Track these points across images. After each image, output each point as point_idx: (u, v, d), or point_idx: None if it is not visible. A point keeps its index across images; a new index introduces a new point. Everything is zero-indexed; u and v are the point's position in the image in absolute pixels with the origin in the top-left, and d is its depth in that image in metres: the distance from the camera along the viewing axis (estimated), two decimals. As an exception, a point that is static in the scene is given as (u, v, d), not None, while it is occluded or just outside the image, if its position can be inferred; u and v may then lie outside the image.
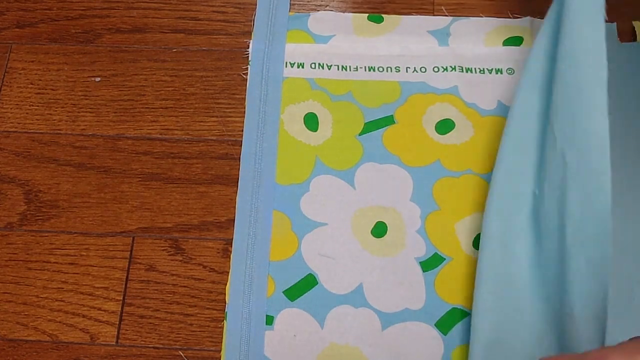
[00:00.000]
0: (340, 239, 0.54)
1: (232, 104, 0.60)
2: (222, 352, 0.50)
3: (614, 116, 0.51)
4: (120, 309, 0.52)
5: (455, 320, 0.51)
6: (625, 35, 0.61)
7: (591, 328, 0.42)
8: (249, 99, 0.59)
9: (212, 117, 0.59)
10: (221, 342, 0.51)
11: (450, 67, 0.60)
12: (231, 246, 0.54)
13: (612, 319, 0.42)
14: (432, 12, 0.62)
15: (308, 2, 0.64)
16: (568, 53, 0.45)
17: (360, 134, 0.58)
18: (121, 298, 0.53)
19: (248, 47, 0.62)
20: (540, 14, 0.62)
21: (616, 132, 0.50)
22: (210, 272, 0.54)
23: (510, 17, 0.61)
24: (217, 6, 0.64)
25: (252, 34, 0.62)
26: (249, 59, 0.61)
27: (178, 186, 0.57)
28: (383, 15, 0.62)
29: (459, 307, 0.52)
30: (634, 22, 0.61)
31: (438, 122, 0.58)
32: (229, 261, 0.54)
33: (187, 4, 0.65)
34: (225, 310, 0.52)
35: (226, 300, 0.52)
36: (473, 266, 0.52)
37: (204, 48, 0.62)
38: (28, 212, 0.56)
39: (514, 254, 0.48)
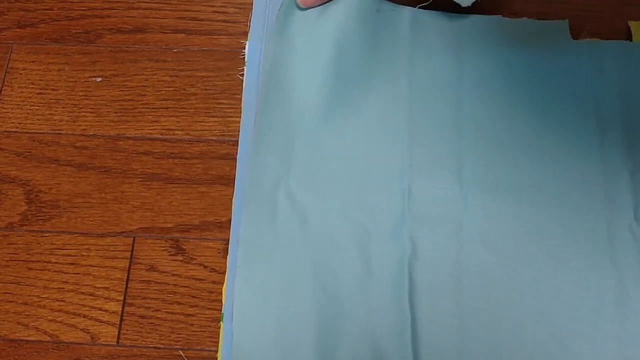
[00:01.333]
0: None
1: (232, 104, 0.60)
2: (219, 354, 0.50)
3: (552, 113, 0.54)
4: (121, 309, 0.52)
5: None
6: (621, 34, 0.61)
7: None
8: (245, 100, 0.59)
9: (213, 117, 0.59)
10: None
11: None
12: (232, 246, 0.54)
13: None
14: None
15: (309, 2, 0.64)
16: None
17: None
18: (122, 298, 0.53)
19: (245, 48, 0.62)
20: (539, 15, 0.62)
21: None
22: (211, 272, 0.54)
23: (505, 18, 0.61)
24: (218, 6, 0.64)
25: (248, 34, 0.62)
26: (245, 60, 0.61)
27: (179, 186, 0.57)
28: None
29: None
30: (629, 22, 0.61)
31: None
32: (230, 261, 0.54)
33: (188, 4, 0.65)
34: (222, 312, 0.52)
35: (223, 301, 0.52)
36: None
37: (204, 48, 0.62)
38: (29, 212, 0.56)
39: None
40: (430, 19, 0.60)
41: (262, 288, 0.51)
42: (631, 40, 0.60)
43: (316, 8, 0.58)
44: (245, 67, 0.61)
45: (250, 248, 0.52)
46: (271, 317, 0.50)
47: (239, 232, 0.54)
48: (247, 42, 0.62)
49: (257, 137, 0.56)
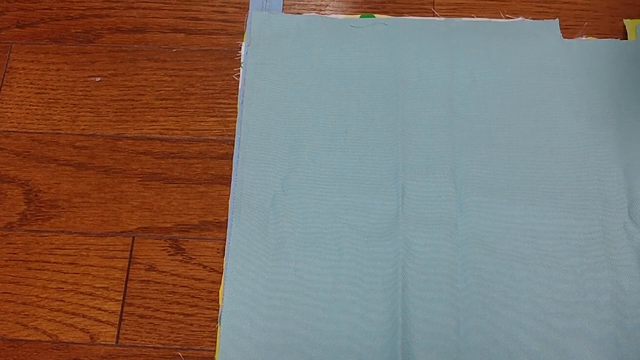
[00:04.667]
0: None
1: (232, 103, 0.60)
2: (216, 356, 0.50)
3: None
4: (120, 309, 0.52)
5: None
6: (617, 33, 0.61)
7: None
8: (240, 100, 0.59)
9: (212, 117, 0.59)
10: (221, 342, 0.51)
11: None
12: (231, 246, 0.54)
13: None
14: (432, 13, 0.62)
15: (308, 2, 0.64)
16: None
17: None
18: (121, 298, 0.53)
19: (240, 49, 0.62)
20: (537, 14, 0.62)
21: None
22: (210, 272, 0.54)
23: (503, 18, 0.62)
24: (217, 6, 0.64)
25: (244, 36, 0.62)
26: (241, 60, 0.61)
27: (178, 186, 0.57)
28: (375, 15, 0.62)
29: None
30: (624, 21, 0.61)
31: None
32: (229, 261, 0.54)
33: (187, 3, 0.65)
34: (219, 314, 0.51)
35: (219, 303, 0.52)
36: None
37: (204, 48, 0.62)
38: (28, 212, 0.56)
39: None
40: (419, 25, 0.61)
41: (251, 297, 0.51)
42: (627, 39, 0.60)
43: (292, 29, 0.61)
44: (241, 68, 0.61)
45: (240, 259, 0.52)
46: (259, 326, 0.50)
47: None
48: (243, 43, 0.62)
49: (244, 147, 0.56)
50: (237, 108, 0.59)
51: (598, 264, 0.51)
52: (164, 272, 0.54)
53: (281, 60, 0.60)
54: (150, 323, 0.52)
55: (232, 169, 0.57)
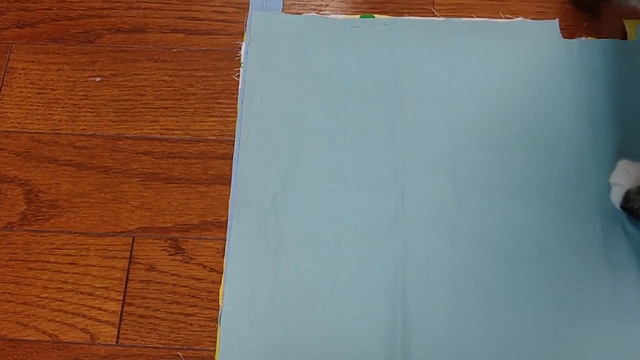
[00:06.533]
0: None
1: (232, 104, 0.60)
2: (216, 356, 0.50)
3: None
4: (120, 309, 0.52)
5: None
6: (617, 33, 0.61)
7: None
8: (241, 100, 0.59)
9: (212, 117, 0.59)
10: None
11: None
12: (231, 246, 0.54)
13: None
14: (432, 13, 0.63)
15: (308, 2, 0.64)
16: None
17: None
18: (121, 298, 0.53)
19: (241, 49, 0.62)
20: (537, 14, 0.62)
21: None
22: (210, 271, 0.54)
23: (503, 18, 0.62)
24: (217, 6, 0.64)
25: (244, 36, 0.62)
26: (241, 61, 0.61)
27: (178, 186, 0.57)
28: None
29: None
30: (624, 21, 0.61)
31: None
32: (229, 261, 0.54)
33: (187, 4, 0.65)
34: (219, 314, 0.52)
35: (220, 303, 0.52)
36: None
37: (204, 48, 0.62)
38: (28, 212, 0.56)
39: None
40: (419, 25, 0.61)
41: (251, 297, 0.51)
42: (626, 39, 0.60)
43: (292, 29, 0.61)
44: (241, 68, 0.61)
45: (240, 259, 0.53)
46: (259, 325, 0.50)
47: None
48: (243, 43, 0.62)
49: (244, 147, 0.56)
50: (237, 108, 0.59)
51: (597, 263, 0.51)
52: (164, 272, 0.54)
53: (281, 60, 0.60)
54: (150, 323, 0.52)
55: (232, 169, 0.57)
